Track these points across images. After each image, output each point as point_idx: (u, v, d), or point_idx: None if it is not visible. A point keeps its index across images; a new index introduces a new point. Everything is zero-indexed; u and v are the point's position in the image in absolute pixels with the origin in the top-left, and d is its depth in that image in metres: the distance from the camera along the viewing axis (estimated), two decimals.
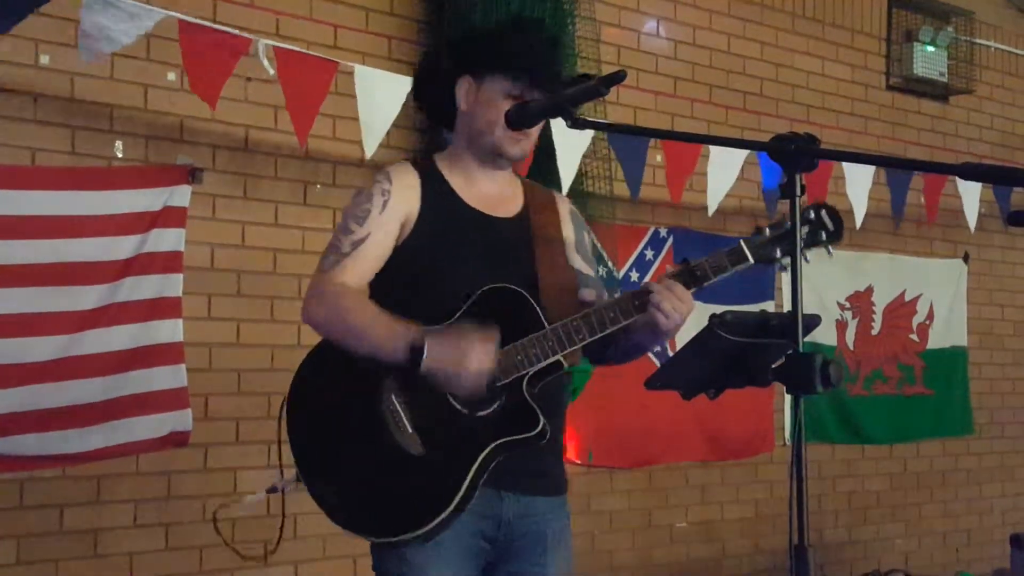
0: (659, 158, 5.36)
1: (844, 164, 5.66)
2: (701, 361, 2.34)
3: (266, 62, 4.03)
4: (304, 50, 4.29)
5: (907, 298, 6.74)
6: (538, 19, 3.61)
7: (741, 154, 5.35)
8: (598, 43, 5.16)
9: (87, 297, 3.97)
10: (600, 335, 2.46)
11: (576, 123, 2.32)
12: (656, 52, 5.84)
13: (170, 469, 4.26)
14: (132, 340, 4.06)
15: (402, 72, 4.43)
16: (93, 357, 3.97)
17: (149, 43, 4.16)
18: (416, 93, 2.77)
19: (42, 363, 3.87)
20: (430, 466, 2.43)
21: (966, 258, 7.03)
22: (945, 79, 7.00)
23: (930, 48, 6.88)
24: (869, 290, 6.58)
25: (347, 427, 2.48)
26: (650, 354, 5.30)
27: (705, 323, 2.24)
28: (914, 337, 6.77)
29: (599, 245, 5.18)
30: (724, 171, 5.29)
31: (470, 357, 2.37)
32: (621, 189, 5.13)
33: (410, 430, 2.44)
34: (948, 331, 6.89)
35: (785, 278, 5.50)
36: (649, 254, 5.62)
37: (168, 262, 4.14)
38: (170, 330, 4.14)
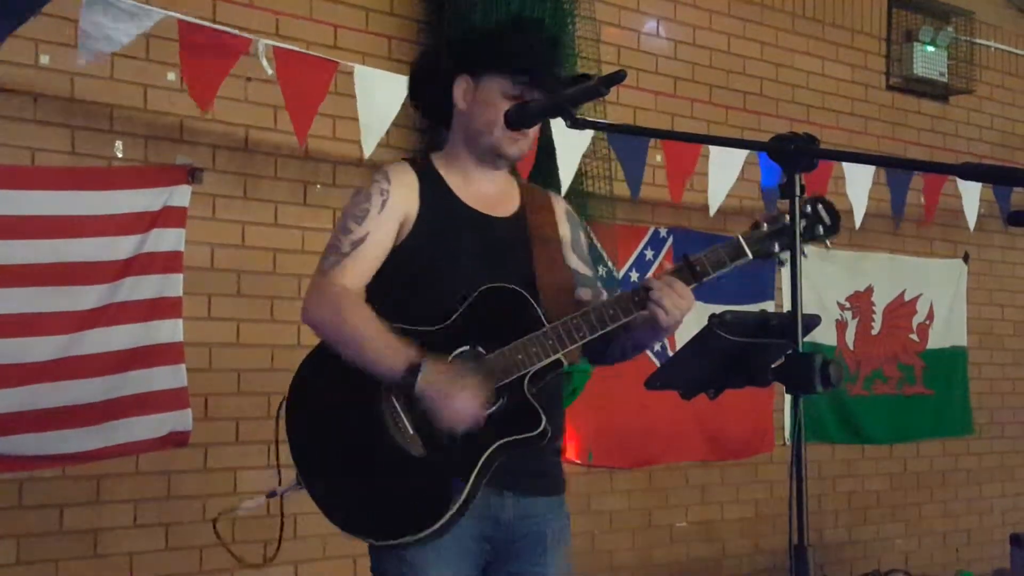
0: (659, 158, 5.36)
1: (844, 164, 5.66)
2: (701, 361, 2.34)
3: (265, 62, 4.03)
4: (304, 50, 4.30)
5: (907, 298, 6.74)
6: (537, 19, 3.61)
7: (741, 154, 5.35)
8: (598, 43, 5.16)
9: (87, 297, 3.97)
10: (600, 332, 2.46)
11: (576, 123, 2.32)
12: (656, 52, 5.84)
13: (170, 469, 4.26)
14: (132, 340, 4.06)
15: (402, 72, 4.42)
16: (93, 357, 3.97)
17: (149, 43, 4.16)
18: (412, 92, 2.75)
19: (42, 363, 3.87)
20: (432, 468, 2.42)
21: (966, 258, 7.03)
22: (945, 79, 7.00)
23: (930, 48, 6.87)
24: (869, 290, 6.58)
25: (347, 428, 2.47)
26: (650, 354, 5.35)
27: (705, 323, 2.24)
28: (914, 337, 6.77)
29: (599, 245, 5.19)
30: (724, 171, 5.29)
31: (458, 398, 2.36)
32: (621, 189, 5.14)
33: (411, 431, 2.43)
34: (948, 331, 6.89)
35: (785, 278, 5.52)
36: (649, 254, 5.62)
37: (168, 262, 4.13)
38: (170, 330, 4.14)
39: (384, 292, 2.52)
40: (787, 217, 2.39)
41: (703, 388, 2.41)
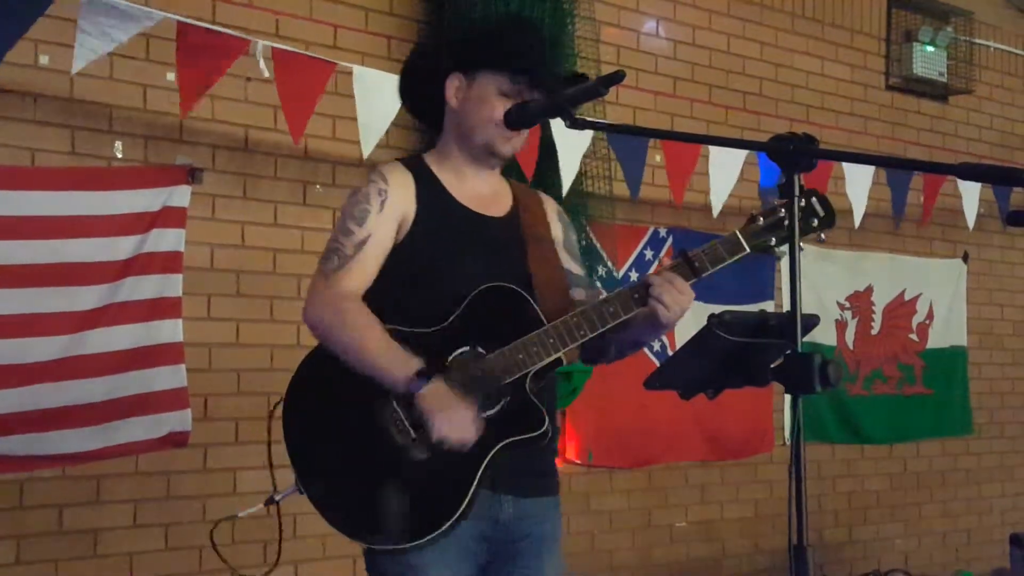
0: (659, 158, 5.36)
1: (844, 164, 5.66)
2: (700, 361, 2.34)
3: (262, 63, 4.03)
4: (303, 51, 4.30)
5: (907, 298, 6.74)
6: (530, 17, 3.61)
7: (741, 154, 5.35)
8: (597, 43, 5.16)
9: (87, 297, 3.97)
10: (602, 330, 2.45)
11: (575, 123, 2.32)
12: (656, 52, 5.84)
13: (170, 469, 4.26)
14: (132, 340, 4.06)
15: None
16: (93, 357, 3.97)
17: (148, 43, 4.17)
18: (402, 90, 2.72)
19: (42, 363, 3.87)
20: (434, 470, 2.41)
21: (965, 258, 7.03)
22: (944, 79, 7.00)
23: (929, 48, 6.88)
24: (869, 290, 6.58)
25: (348, 430, 2.46)
26: (649, 354, 5.36)
27: (704, 323, 2.24)
28: (914, 337, 6.77)
29: (599, 245, 5.19)
30: (725, 171, 5.29)
31: (451, 414, 2.35)
32: (621, 189, 5.14)
33: (412, 434, 2.42)
34: (948, 331, 6.89)
35: (784, 278, 5.53)
36: (649, 254, 5.62)
37: (168, 262, 4.13)
38: (170, 330, 4.14)
39: (382, 292, 2.50)
40: (783, 211, 2.40)
41: (702, 388, 2.41)
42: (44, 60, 4.02)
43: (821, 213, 2.43)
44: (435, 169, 2.62)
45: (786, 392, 1.99)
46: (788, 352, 1.98)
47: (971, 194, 6.31)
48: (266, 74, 4.05)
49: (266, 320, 4.50)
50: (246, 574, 2.96)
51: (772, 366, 2.05)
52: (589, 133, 4.80)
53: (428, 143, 2.75)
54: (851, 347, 6.48)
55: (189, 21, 3.95)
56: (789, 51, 6.40)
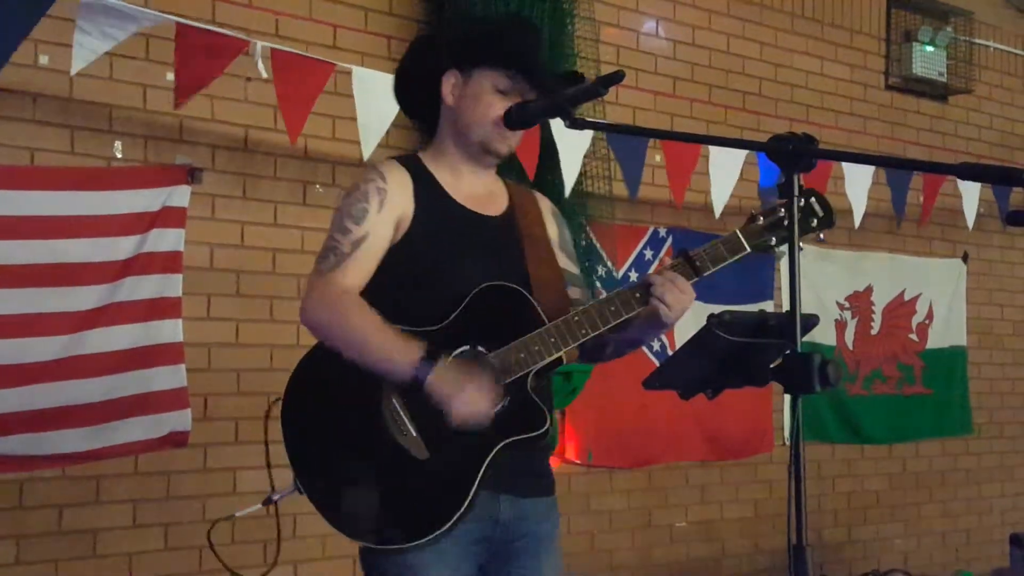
0: (658, 158, 5.36)
1: (843, 164, 5.66)
2: (699, 361, 2.34)
3: (261, 64, 4.03)
4: (303, 51, 4.29)
5: (906, 298, 6.74)
6: (526, 16, 3.60)
7: (741, 154, 5.35)
8: (597, 43, 5.16)
9: (87, 297, 3.97)
10: (603, 329, 2.45)
11: (575, 123, 2.31)
12: (655, 52, 5.84)
13: (169, 469, 4.26)
14: (132, 340, 4.06)
15: None
16: (93, 357, 3.97)
17: (148, 43, 4.17)
18: (397, 88, 2.69)
19: (42, 363, 3.87)
20: (435, 470, 2.40)
21: (965, 258, 7.03)
22: (944, 79, 7.00)
23: (929, 48, 6.88)
24: (868, 290, 6.58)
25: (347, 429, 2.45)
26: (649, 354, 5.36)
27: (704, 323, 2.24)
28: (913, 337, 6.77)
29: (599, 244, 5.19)
30: (725, 171, 5.29)
31: (470, 394, 2.34)
32: (620, 189, 5.14)
33: (413, 433, 2.41)
34: (947, 331, 6.89)
35: (784, 278, 5.53)
36: (648, 254, 5.62)
37: (167, 262, 4.14)
38: (170, 330, 4.14)
39: (380, 293, 2.49)
40: (783, 210, 2.41)
41: (702, 388, 2.40)
42: (44, 60, 4.02)
43: (820, 213, 2.44)
44: (432, 168, 2.60)
45: (786, 392, 1.99)
46: (788, 352, 1.98)
47: (971, 194, 6.31)
48: (265, 75, 4.05)
49: (266, 320, 4.50)
50: (245, 574, 2.95)
51: (772, 366, 2.05)
52: (589, 133, 4.80)
53: (427, 143, 2.74)
54: (851, 347, 6.48)
55: (188, 21, 3.95)
56: (789, 51, 6.40)
